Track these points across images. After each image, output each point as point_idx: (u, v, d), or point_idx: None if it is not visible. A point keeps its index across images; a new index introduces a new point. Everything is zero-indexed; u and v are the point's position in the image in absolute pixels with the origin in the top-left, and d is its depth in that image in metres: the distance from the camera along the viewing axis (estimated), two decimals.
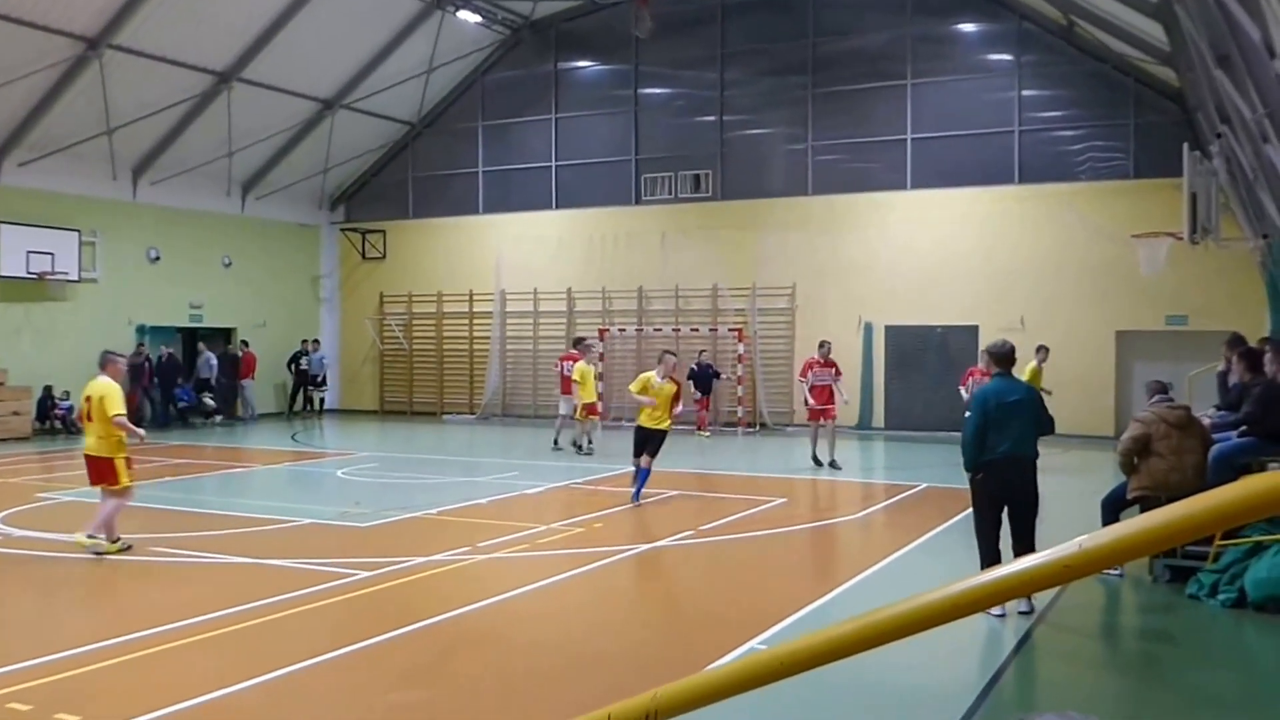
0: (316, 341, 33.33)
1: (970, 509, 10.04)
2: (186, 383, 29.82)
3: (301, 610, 9.67)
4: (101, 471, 12.31)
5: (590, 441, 22.90)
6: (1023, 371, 20.30)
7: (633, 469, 15.99)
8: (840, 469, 19.79)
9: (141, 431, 13.14)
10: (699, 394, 27.15)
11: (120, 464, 12.29)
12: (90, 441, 12.38)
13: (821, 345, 20.64)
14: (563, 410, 23.68)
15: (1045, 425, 9.88)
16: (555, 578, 11.12)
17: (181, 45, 26.01)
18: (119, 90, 25.59)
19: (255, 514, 14.94)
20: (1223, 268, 22.40)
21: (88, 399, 12.37)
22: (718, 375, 27.94)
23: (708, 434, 26.77)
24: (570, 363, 23.31)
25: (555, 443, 23.20)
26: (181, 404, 29.46)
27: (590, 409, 22.61)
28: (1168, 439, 10.81)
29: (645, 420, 15.99)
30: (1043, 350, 20.86)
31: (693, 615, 10.20)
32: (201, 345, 30.37)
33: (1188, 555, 10.33)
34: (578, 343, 24.19)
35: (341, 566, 11.30)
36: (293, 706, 7.37)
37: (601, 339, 29.48)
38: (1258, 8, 8.43)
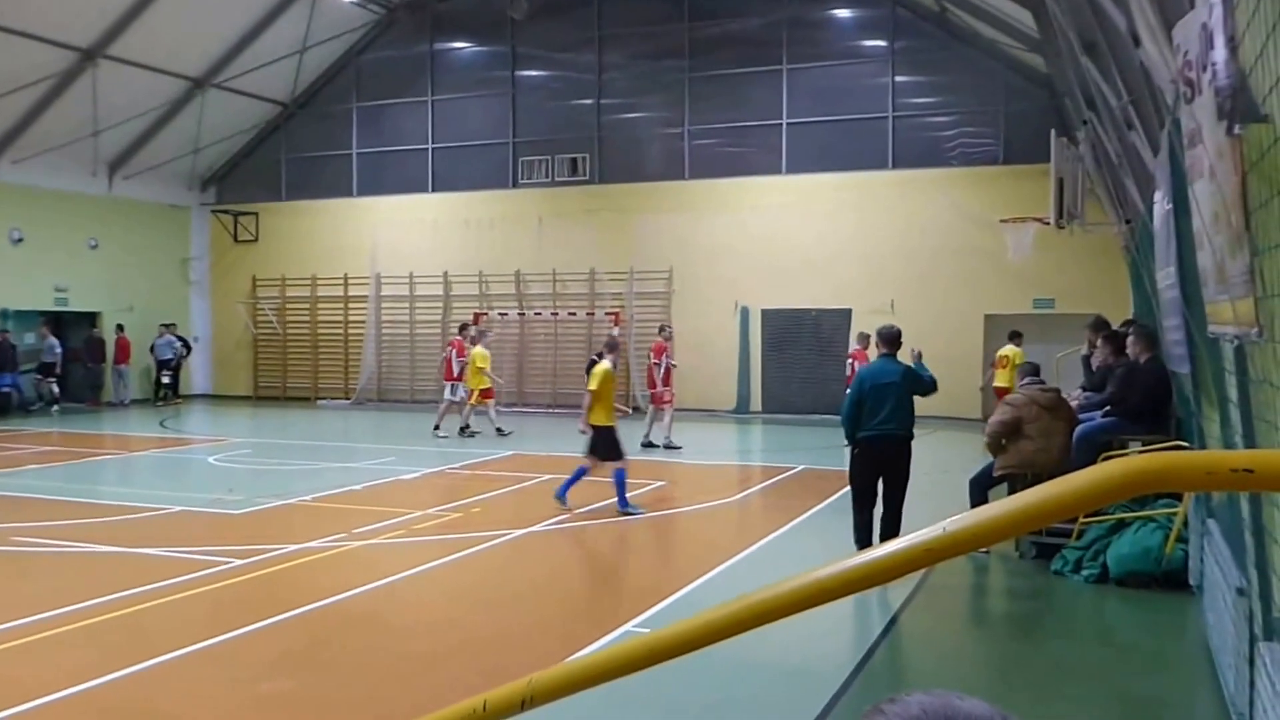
0: (170, 325, 32.04)
1: (846, 487, 10.77)
2: (17, 368, 28.15)
3: (173, 599, 9.45)
4: None
5: (468, 426, 22.82)
6: (1010, 359, 20.67)
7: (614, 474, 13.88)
8: (658, 447, 20.20)
9: None
10: None
11: None
12: None
13: (663, 329, 21.43)
14: (459, 395, 23.24)
15: (922, 388, 10.62)
16: (432, 563, 11.05)
17: (44, 21, 25.11)
18: None
19: (124, 501, 14.60)
20: (1089, 252, 22.94)
21: None
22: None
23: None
24: (455, 349, 23.27)
25: (461, 429, 22.87)
26: (3, 389, 27.72)
27: (486, 393, 22.66)
28: (1038, 421, 11.15)
29: (606, 418, 14.00)
30: (1018, 336, 21.25)
31: (570, 598, 10.21)
32: (45, 330, 29.19)
33: (1052, 533, 10.61)
34: (463, 329, 24.12)
35: (214, 554, 11.08)
36: (163, 698, 7.19)
37: (477, 323, 29.24)
38: None
